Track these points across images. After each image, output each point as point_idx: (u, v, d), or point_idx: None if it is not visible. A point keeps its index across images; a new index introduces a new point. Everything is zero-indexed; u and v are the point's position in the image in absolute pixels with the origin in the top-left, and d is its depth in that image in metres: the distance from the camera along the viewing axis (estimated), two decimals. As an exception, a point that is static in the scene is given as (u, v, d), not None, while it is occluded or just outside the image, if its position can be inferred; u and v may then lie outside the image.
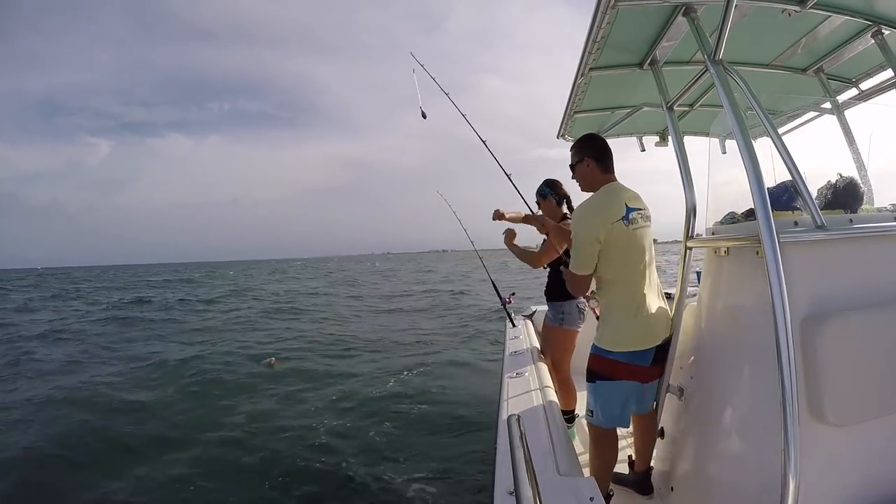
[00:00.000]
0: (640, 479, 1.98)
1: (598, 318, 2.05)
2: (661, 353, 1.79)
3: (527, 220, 2.68)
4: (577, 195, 2.24)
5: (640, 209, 1.78)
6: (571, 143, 1.99)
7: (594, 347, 1.83)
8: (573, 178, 1.96)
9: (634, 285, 1.76)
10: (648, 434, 1.95)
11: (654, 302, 1.79)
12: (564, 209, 2.74)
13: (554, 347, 2.74)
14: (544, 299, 2.87)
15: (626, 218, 1.71)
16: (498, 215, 2.68)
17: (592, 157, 1.85)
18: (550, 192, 2.72)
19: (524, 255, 2.74)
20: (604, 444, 1.86)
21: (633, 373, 1.76)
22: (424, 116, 3.01)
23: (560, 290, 2.50)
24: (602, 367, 1.79)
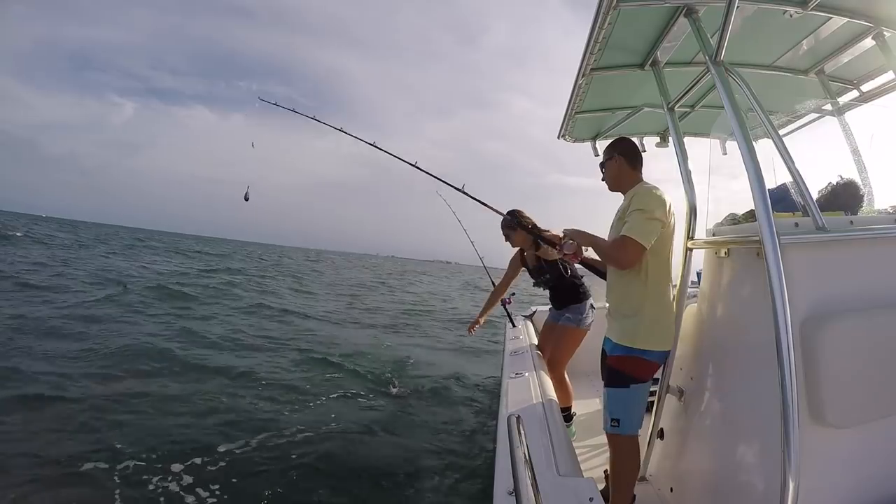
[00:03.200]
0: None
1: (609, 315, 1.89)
2: None
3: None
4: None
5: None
6: (572, 143, 2.00)
7: (623, 348, 1.69)
8: (602, 179, 1.96)
9: (669, 283, 1.76)
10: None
11: None
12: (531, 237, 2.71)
13: (567, 347, 2.81)
14: (543, 300, 2.96)
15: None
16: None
17: (623, 154, 1.87)
18: (516, 220, 2.73)
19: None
20: (631, 454, 1.74)
21: (654, 372, 1.74)
22: (247, 199, 3.33)
23: (582, 291, 2.80)
24: (637, 369, 1.68)
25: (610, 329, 1.83)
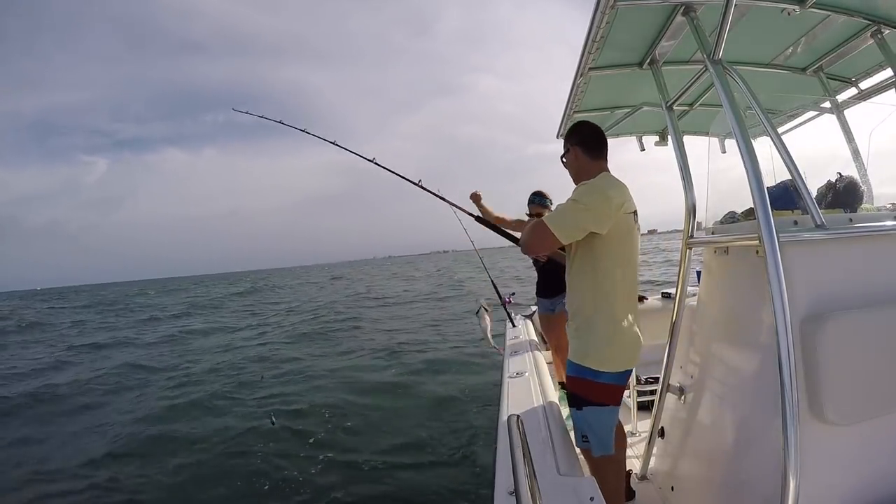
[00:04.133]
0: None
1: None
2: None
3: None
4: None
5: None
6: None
7: (574, 367, 1.55)
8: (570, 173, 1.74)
9: (632, 291, 1.57)
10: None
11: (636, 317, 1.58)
12: None
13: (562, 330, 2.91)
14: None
15: (635, 213, 1.56)
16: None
17: (577, 144, 1.66)
18: (540, 199, 2.81)
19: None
20: (609, 471, 1.58)
21: (619, 395, 1.55)
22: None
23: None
24: (589, 392, 1.51)
25: (569, 343, 1.65)
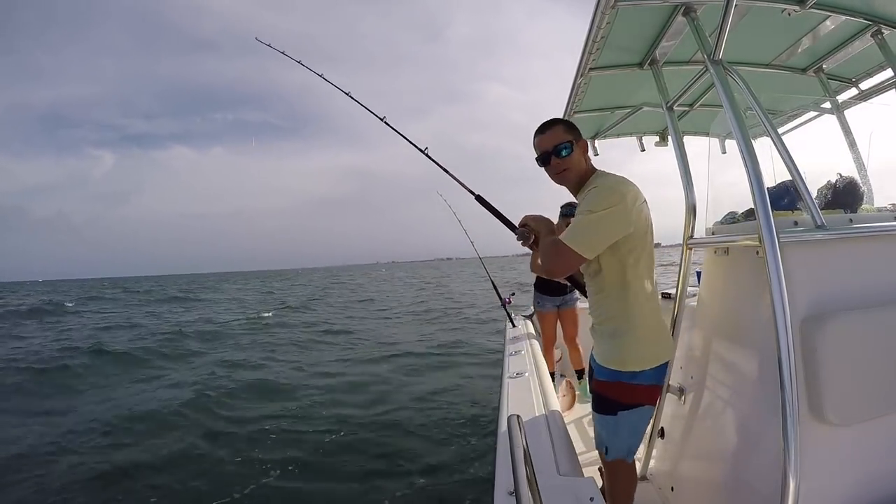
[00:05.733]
0: None
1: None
2: None
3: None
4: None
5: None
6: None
7: (607, 372, 1.48)
8: (556, 174, 1.49)
9: (653, 288, 1.47)
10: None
11: None
12: None
13: (579, 321, 3.62)
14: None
15: (645, 201, 1.42)
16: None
17: (580, 137, 1.49)
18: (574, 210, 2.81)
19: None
20: (625, 477, 1.60)
21: (654, 395, 1.50)
22: None
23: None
24: (626, 395, 1.45)
25: (595, 347, 1.57)
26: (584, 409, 3.12)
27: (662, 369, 1.47)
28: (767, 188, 1.25)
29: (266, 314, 15.88)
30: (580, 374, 3.63)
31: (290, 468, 3.88)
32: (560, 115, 2.27)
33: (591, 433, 2.69)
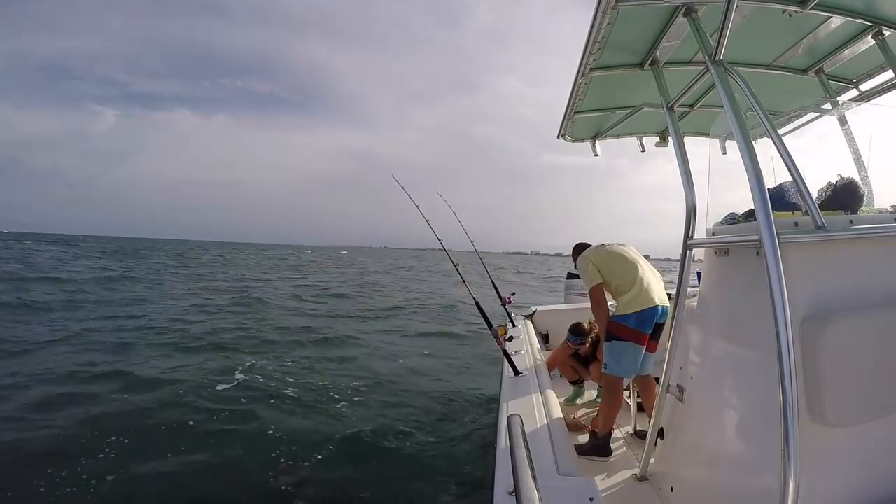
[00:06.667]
0: (601, 444, 2.35)
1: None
2: (657, 331, 2.37)
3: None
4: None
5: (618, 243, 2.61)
6: (571, 142, 1.99)
7: (612, 318, 2.39)
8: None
9: (633, 282, 2.39)
10: (649, 391, 2.53)
11: (651, 281, 2.40)
12: None
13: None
14: (543, 300, 3.07)
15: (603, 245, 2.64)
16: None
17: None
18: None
19: None
20: (615, 390, 2.39)
21: (638, 337, 2.30)
22: None
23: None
24: (617, 330, 2.34)
25: None
26: (585, 409, 3.12)
27: (642, 317, 2.30)
28: (768, 189, 1.25)
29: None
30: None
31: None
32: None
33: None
